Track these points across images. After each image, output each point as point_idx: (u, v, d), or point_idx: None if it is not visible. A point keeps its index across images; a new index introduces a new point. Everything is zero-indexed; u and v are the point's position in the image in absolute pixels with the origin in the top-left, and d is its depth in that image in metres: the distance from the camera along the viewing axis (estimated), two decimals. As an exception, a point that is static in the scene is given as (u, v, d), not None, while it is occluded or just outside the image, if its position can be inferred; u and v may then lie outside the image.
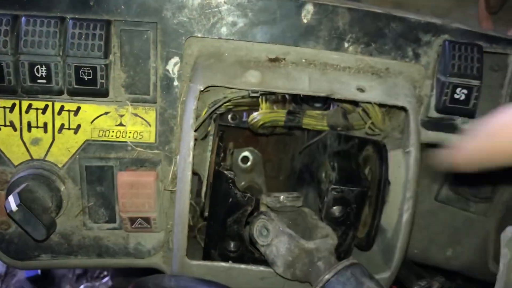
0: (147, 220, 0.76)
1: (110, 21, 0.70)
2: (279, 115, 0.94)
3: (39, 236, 0.70)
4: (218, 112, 0.81)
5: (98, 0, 0.70)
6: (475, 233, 1.04)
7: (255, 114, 0.93)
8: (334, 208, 0.75)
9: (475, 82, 0.72)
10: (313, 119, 0.91)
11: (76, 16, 0.70)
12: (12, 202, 0.66)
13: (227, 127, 1.05)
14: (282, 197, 0.74)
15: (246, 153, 1.11)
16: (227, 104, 0.95)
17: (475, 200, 1.02)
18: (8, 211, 0.67)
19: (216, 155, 0.78)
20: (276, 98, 0.96)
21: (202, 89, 0.70)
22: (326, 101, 1.01)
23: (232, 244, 0.76)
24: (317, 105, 1.07)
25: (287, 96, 1.04)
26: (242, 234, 0.76)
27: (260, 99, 0.92)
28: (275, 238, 0.70)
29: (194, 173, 0.83)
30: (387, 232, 0.77)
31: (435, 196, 1.03)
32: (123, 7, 0.70)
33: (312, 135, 0.93)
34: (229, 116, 1.03)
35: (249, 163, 1.11)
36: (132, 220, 0.76)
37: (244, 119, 1.00)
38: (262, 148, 1.13)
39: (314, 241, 0.69)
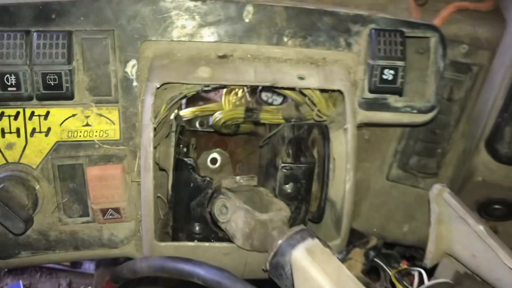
0: (117, 210, 0.83)
1: (71, 32, 0.79)
2: (238, 112, 1.03)
3: (18, 230, 0.76)
4: (182, 117, 0.89)
5: (60, 13, 0.78)
6: (427, 207, 1.14)
7: (217, 114, 1.02)
8: (286, 185, 0.84)
9: (400, 63, 0.82)
10: (269, 113, 1.01)
11: (40, 29, 0.78)
12: (-9, 201, 0.73)
13: (196, 132, 1.14)
14: (238, 177, 0.83)
15: (214, 155, 1.19)
16: (194, 110, 1.04)
17: (422, 177, 1.11)
18: (-13, 210, 0.74)
19: (177, 146, 0.86)
20: (237, 99, 1.06)
21: (158, 86, 0.79)
22: (284, 99, 1.11)
23: (197, 226, 0.84)
24: (276, 103, 1.18)
25: (248, 97, 1.14)
26: (205, 216, 0.83)
27: (223, 101, 1.02)
28: (233, 214, 0.78)
29: (162, 169, 0.91)
30: (337, 204, 0.86)
31: (387, 176, 1.13)
32: (82, 18, 0.79)
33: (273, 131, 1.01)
34: (197, 122, 1.12)
35: (217, 164, 1.19)
36: (103, 211, 0.83)
37: (211, 123, 1.09)
38: (231, 149, 1.22)
39: (268, 213, 0.77)
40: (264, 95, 1.18)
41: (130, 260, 0.80)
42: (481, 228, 0.73)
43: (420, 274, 0.76)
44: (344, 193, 0.82)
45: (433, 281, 0.76)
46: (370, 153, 1.12)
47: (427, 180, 1.12)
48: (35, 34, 0.77)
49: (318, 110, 0.91)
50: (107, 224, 0.87)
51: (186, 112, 1.06)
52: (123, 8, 0.79)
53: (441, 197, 0.80)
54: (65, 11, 0.78)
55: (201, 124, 1.14)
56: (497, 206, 1.06)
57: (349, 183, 0.81)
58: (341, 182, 0.84)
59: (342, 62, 0.87)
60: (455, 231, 0.79)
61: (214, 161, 1.18)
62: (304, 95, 0.89)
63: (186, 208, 0.83)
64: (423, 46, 0.90)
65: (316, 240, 0.68)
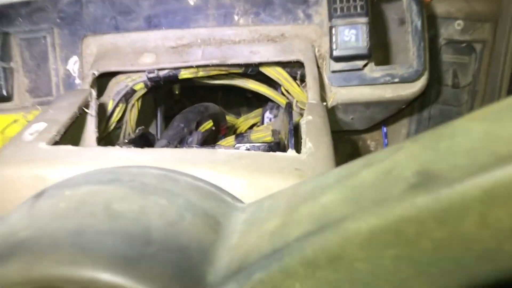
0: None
1: (9, 33, 0.76)
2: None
3: None
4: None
5: (-2, 17, 0.76)
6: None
7: None
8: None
9: (362, 20, 0.71)
10: (260, 132, 0.94)
11: (-22, 34, 0.76)
12: None
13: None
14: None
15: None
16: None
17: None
18: None
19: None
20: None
21: (96, 74, 0.72)
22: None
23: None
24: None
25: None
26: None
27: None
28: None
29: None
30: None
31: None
32: (20, 19, 0.76)
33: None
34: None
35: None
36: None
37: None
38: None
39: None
40: (267, 117, 1.10)
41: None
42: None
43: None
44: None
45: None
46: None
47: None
48: (-27, 38, 0.75)
49: (297, 101, 0.81)
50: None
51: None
52: (61, 6, 0.76)
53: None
54: (2, 13, 0.76)
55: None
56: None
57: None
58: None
59: (304, 36, 0.78)
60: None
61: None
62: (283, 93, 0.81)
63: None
64: (402, 15, 0.79)
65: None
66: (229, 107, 1.25)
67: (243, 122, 1.18)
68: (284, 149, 0.74)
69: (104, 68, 0.73)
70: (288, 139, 0.71)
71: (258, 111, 1.17)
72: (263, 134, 0.96)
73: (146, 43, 0.78)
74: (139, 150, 0.53)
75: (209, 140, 1.04)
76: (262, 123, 1.08)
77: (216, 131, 1.07)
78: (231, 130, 1.16)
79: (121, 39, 0.78)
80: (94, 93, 0.69)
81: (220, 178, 0.44)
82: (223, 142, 1.00)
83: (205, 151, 0.50)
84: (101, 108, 0.77)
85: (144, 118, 0.99)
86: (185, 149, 0.51)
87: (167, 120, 1.09)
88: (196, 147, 0.72)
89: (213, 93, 1.21)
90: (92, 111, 0.68)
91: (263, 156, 0.48)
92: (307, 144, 0.51)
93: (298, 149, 0.61)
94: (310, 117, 0.61)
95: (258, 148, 0.69)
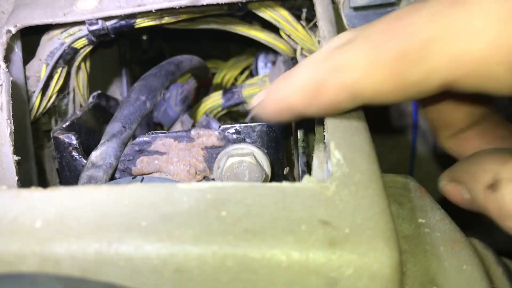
0: None
1: None
2: (215, 98, 0.76)
3: None
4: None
5: None
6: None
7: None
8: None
9: None
10: (253, 86, 0.75)
11: None
12: None
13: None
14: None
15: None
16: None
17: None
18: None
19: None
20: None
21: (12, 31, 0.50)
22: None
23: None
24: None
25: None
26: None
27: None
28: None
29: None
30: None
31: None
32: None
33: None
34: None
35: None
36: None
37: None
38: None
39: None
40: (262, 62, 0.89)
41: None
42: None
43: None
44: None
45: None
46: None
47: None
48: None
49: (302, 48, 0.60)
50: None
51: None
52: None
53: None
54: None
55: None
56: None
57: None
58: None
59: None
60: None
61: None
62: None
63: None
64: None
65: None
66: (214, 47, 1.02)
67: (232, 66, 0.96)
68: (289, 131, 0.54)
69: (25, 21, 0.51)
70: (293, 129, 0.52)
71: (251, 50, 0.95)
72: (258, 89, 0.77)
73: (85, -21, 0.54)
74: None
75: (189, 98, 0.84)
76: (256, 70, 0.87)
77: (197, 87, 0.85)
78: (218, 76, 0.94)
79: (49, -26, 0.54)
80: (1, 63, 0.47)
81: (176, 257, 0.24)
82: (208, 101, 0.79)
83: (159, 193, 0.29)
84: (33, 77, 0.55)
85: (106, 78, 0.77)
86: (123, 189, 0.29)
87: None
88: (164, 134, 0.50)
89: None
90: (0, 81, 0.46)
91: (255, 192, 0.28)
92: (333, 153, 0.31)
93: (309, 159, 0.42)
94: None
95: (253, 131, 0.48)
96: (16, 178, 0.42)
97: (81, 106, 0.64)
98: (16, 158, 0.43)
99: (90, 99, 0.63)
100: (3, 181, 0.42)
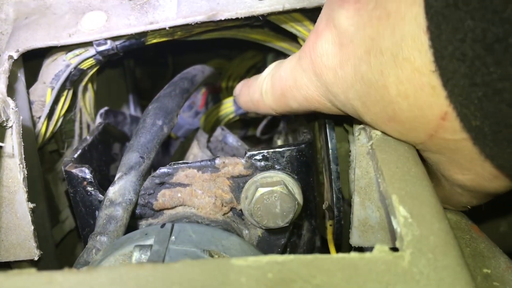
0: None
1: None
2: (227, 105, 0.73)
3: None
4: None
5: None
6: None
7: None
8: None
9: None
10: None
11: None
12: None
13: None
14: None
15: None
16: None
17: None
18: None
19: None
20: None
21: (14, 57, 0.46)
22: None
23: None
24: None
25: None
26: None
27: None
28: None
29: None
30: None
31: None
32: None
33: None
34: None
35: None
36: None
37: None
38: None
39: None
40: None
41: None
42: None
43: None
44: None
45: None
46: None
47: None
48: None
49: None
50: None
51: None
52: None
53: None
54: None
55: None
56: None
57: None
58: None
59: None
60: None
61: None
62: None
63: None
64: None
65: None
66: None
67: (238, 65, 0.92)
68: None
69: (27, 44, 0.46)
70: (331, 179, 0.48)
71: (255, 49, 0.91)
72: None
73: (89, -6, 0.50)
74: None
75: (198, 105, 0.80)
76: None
77: (205, 92, 0.81)
78: (224, 76, 0.90)
79: (49, -9, 0.50)
80: (6, 98, 0.43)
81: None
82: (219, 107, 0.75)
83: (213, 274, 0.25)
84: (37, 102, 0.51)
85: (111, 91, 0.72)
86: (170, 269, 0.25)
87: (146, 91, 0.84)
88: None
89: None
90: (10, 122, 0.42)
91: (322, 268, 0.24)
92: (398, 210, 0.27)
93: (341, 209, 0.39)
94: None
95: (282, 156, 0.45)
96: (32, 227, 0.39)
97: (88, 126, 0.60)
98: (31, 205, 0.39)
99: (98, 118, 0.59)
100: (19, 231, 0.38)
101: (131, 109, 0.74)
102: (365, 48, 0.33)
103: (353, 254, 0.25)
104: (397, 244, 0.26)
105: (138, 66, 0.87)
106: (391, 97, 0.32)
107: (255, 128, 0.84)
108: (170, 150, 0.84)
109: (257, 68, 0.93)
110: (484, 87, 0.26)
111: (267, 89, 0.47)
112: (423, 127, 0.31)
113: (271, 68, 0.48)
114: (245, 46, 0.93)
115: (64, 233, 0.60)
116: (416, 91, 0.30)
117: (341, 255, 0.25)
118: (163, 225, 0.36)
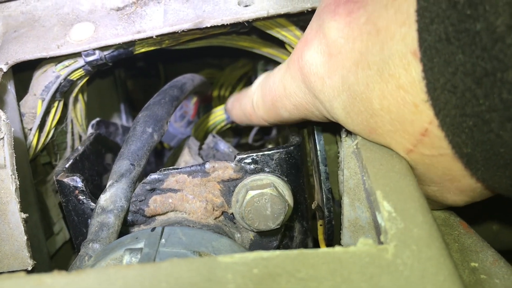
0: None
1: None
2: (218, 114, 0.73)
3: None
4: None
5: None
6: None
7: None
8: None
9: None
10: None
11: None
12: None
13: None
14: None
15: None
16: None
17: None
18: None
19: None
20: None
21: (4, 69, 0.46)
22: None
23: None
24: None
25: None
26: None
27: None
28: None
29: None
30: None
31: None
32: None
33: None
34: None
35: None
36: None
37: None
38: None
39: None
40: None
41: None
42: None
43: None
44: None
45: None
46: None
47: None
48: None
49: None
50: None
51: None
52: None
53: None
54: None
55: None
56: None
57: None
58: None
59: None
60: None
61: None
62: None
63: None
64: None
65: None
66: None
67: (229, 74, 0.93)
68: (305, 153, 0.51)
69: (16, 56, 0.47)
70: (320, 181, 0.49)
71: (246, 58, 0.92)
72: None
73: (77, 6, 0.51)
74: None
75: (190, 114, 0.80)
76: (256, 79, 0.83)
77: (197, 102, 0.82)
78: (216, 85, 0.91)
79: (38, 5, 0.51)
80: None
81: None
82: (211, 116, 0.76)
83: (200, 271, 0.26)
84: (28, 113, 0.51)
85: (102, 102, 0.73)
86: (158, 268, 0.26)
87: (139, 101, 0.84)
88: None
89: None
90: (1, 134, 0.43)
91: (307, 262, 0.25)
92: (382, 205, 0.28)
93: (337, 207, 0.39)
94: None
95: (271, 159, 0.45)
96: (25, 238, 0.39)
97: (80, 136, 0.60)
98: (24, 215, 0.40)
99: (89, 129, 0.60)
100: (12, 242, 0.38)
101: (123, 120, 0.75)
102: (353, 61, 0.34)
103: (338, 248, 0.25)
104: (382, 238, 0.26)
105: (130, 78, 0.88)
106: (374, 110, 0.33)
107: (247, 136, 0.84)
108: (163, 160, 0.85)
109: (248, 77, 0.94)
110: (474, 117, 0.27)
111: (257, 101, 0.49)
112: (403, 141, 0.32)
113: (261, 80, 0.49)
114: (235, 56, 0.94)
115: (58, 245, 0.60)
116: (399, 107, 0.31)
117: (325, 249, 0.25)
118: (153, 229, 0.36)
